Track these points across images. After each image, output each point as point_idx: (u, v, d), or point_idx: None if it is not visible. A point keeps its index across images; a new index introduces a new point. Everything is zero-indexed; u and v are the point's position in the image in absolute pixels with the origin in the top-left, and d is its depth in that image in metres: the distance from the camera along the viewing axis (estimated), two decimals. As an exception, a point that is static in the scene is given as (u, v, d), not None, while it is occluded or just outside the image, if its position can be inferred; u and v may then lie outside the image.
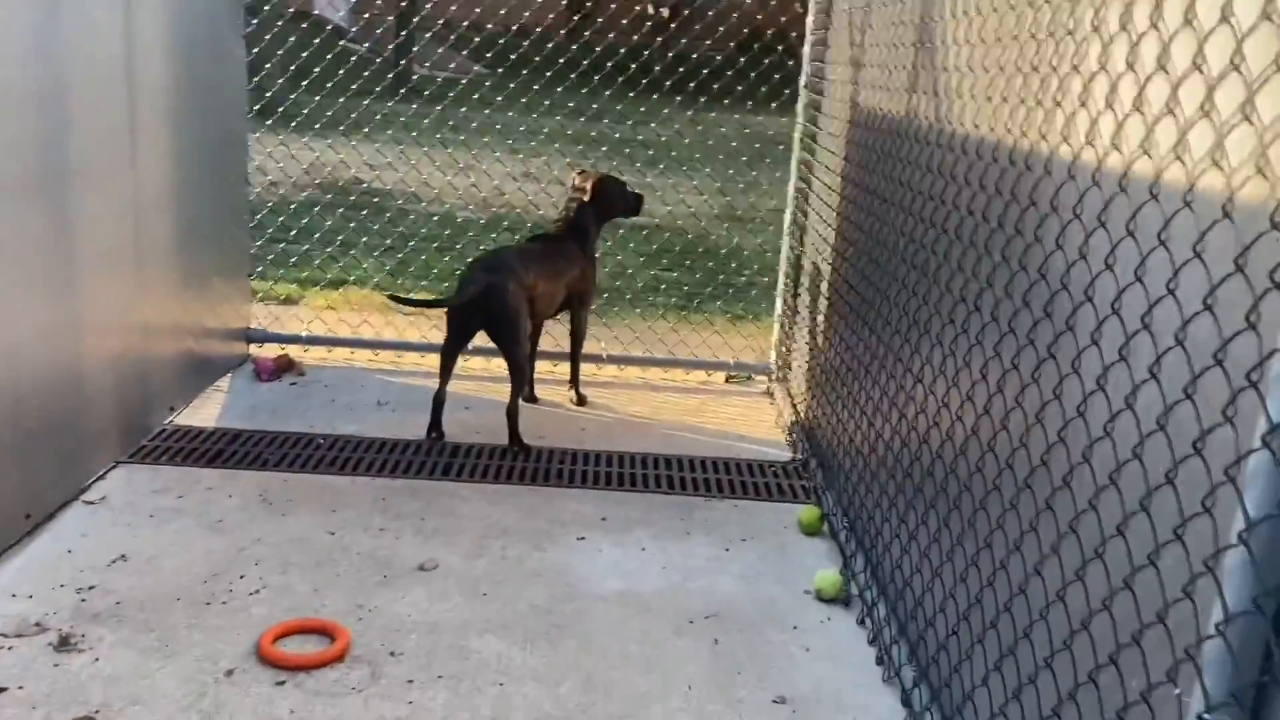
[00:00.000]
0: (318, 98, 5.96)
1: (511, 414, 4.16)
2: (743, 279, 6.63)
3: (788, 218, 4.99)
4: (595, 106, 6.26)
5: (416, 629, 2.89)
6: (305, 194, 7.36)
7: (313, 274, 6.18)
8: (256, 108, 5.29)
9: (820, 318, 4.26)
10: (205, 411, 4.42)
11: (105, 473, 3.72)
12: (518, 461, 4.11)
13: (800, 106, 4.85)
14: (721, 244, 7.29)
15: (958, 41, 2.72)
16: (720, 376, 5.29)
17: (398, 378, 4.99)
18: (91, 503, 3.50)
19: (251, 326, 5.11)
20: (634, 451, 4.28)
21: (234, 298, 4.93)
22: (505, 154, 6.29)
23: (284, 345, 5.10)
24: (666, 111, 6.53)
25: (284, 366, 4.85)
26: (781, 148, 5.71)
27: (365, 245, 6.39)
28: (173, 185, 4.13)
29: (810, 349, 4.45)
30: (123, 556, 3.16)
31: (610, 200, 4.65)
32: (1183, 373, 1.48)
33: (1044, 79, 2.12)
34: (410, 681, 2.65)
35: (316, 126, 6.17)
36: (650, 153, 7.31)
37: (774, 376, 5.13)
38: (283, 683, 2.61)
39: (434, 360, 4.32)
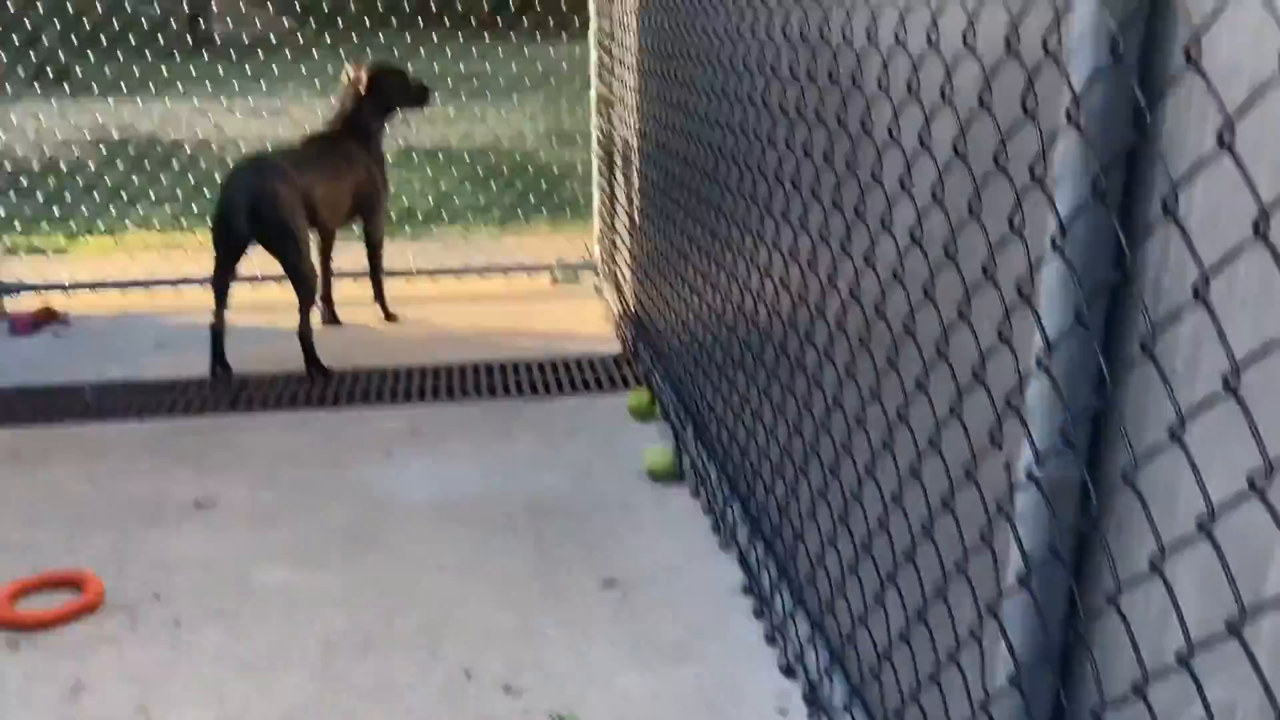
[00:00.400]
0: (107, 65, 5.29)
1: (303, 335, 3.71)
2: (568, 191, 6.27)
3: (592, 96, 4.64)
4: (410, 41, 5.74)
5: (187, 567, 2.47)
6: (94, 155, 6.58)
7: (87, 226, 5.52)
8: (37, 73, 4.63)
9: (636, 202, 3.95)
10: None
11: None
12: (316, 387, 3.69)
13: (592, 13, 4.48)
14: (546, 163, 6.89)
15: None
16: (545, 281, 4.94)
17: (178, 317, 4.45)
18: None
19: (2, 280, 4.48)
20: (452, 362, 3.91)
21: (-25, 248, 4.31)
22: (317, 98, 5.69)
23: (41, 292, 4.49)
24: (488, 41, 6.04)
25: (44, 318, 4.27)
26: None
27: (153, 198, 5.75)
28: None
29: (631, 236, 4.15)
30: None
31: (389, 92, 4.19)
32: (955, 289, 1.22)
33: None
34: (177, 623, 2.25)
35: (117, 89, 5.45)
36: (475, 83, 6.79)
37: (600, 271, 4.81)
38: (16, 646, 2.17)
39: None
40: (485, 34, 6.01)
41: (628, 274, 4.26)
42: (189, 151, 7.03)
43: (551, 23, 5.75)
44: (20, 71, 4.51)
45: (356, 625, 2.24)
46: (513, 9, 5.16)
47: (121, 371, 3.83)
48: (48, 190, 5.34)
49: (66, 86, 6.10)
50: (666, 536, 2.61)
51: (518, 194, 6.37)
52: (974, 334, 1.19)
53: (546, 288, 4.89)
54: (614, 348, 4.07)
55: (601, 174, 4.70)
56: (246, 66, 6.59)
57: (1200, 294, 0.80)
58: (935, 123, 1.32)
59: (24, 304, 4.47)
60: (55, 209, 5.55)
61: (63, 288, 4.51)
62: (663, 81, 3.30)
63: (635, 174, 3.89)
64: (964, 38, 1.21)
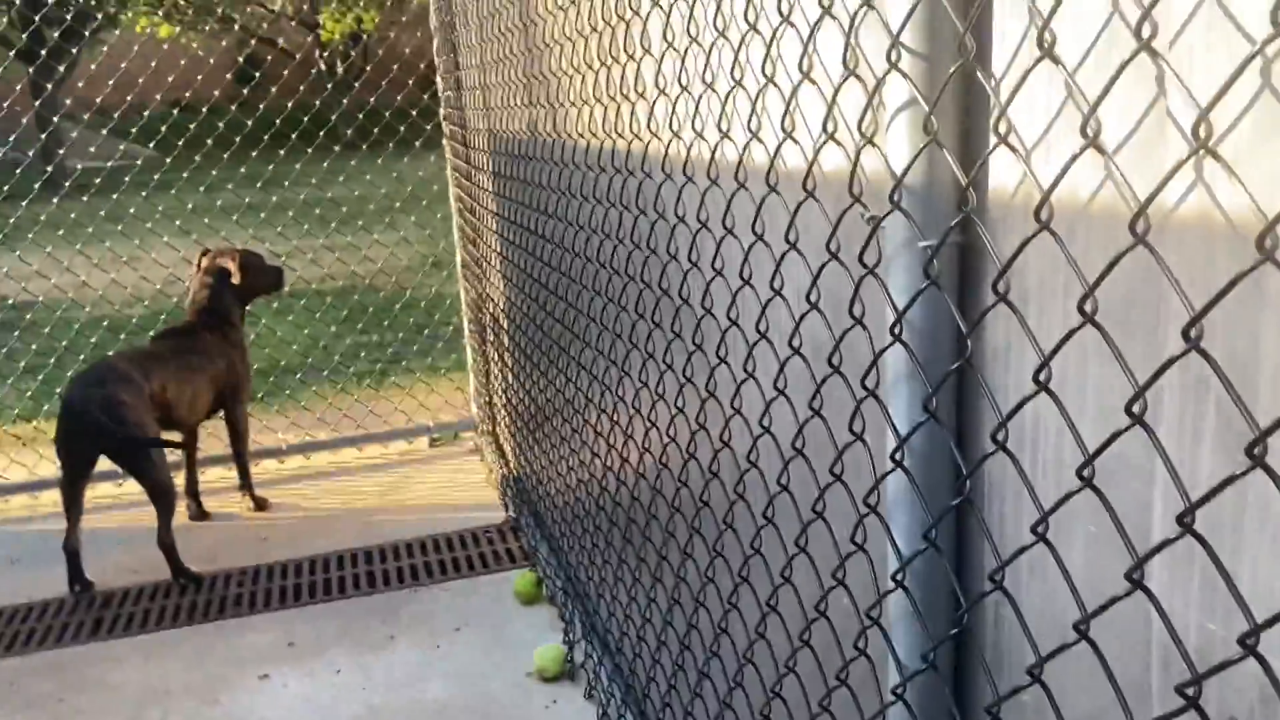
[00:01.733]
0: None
1: (164, 545, 3.53)
2: (449, 327, 6.18)
3: (458, 260, 4.63)
4: (271, 168, 5.67)
5: None
6: None
7: None
8: None
9: (508, 359, 3.92)
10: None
11: None
12: (185, 596, 3.51)
13: (445, 141, 4.50)
14: (420, 295, 6.81)
15: (557, 39, 2.45)
16: (424, 443, 4.84)
17: (33, 524, 4.20)
18: None
19: None
20: (326, 552, 3.77)
21: None
22: (177, 237, 5.52)
23: None
24: (353, 164, 5.90)
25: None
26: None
27: (7, 372, 5.44)
28: None
29: (506, 391, 4.11)
30: None
31: (255, 277, 4.11)
32: (806, 384, 1.22)
33: (622, 67, 1.86)
34: None
35: None
36: (344, 210, 6.70)
37: (479, 429, 4.74)
38: None
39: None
40: (350, 157, 5.87)
41: (507, 433, 4.21)
42: (45, 308, 6.75)
43: (418, 143, 5.63)
44: None
45: None
46: (374, 133, 5.06)
47: (-27, 598, 3.58)
48: None
49: None
50: (560, 752, 2.53)
51: (392, 335, 6.27)
52: (832, 537, 1.17)
53: (425, 450, 4.80)
54: (498, 515, 3.99)
55: (471, 328, 4.66)
56: (102, 209, 6.37)
57: (1040, 380, 0.80)
58: (770, 312, 1.32)
59: None
60: None
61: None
62: (517, 228, 3.30)
63: (505, 329, 3.86)
64: (786, 237, 1.22)
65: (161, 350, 3.81)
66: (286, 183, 6.06)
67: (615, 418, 2.29)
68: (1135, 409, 0.71)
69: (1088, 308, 0.75)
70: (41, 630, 3.33)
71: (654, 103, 1.70)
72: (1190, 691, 0.67)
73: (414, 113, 5.30)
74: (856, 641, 1.16)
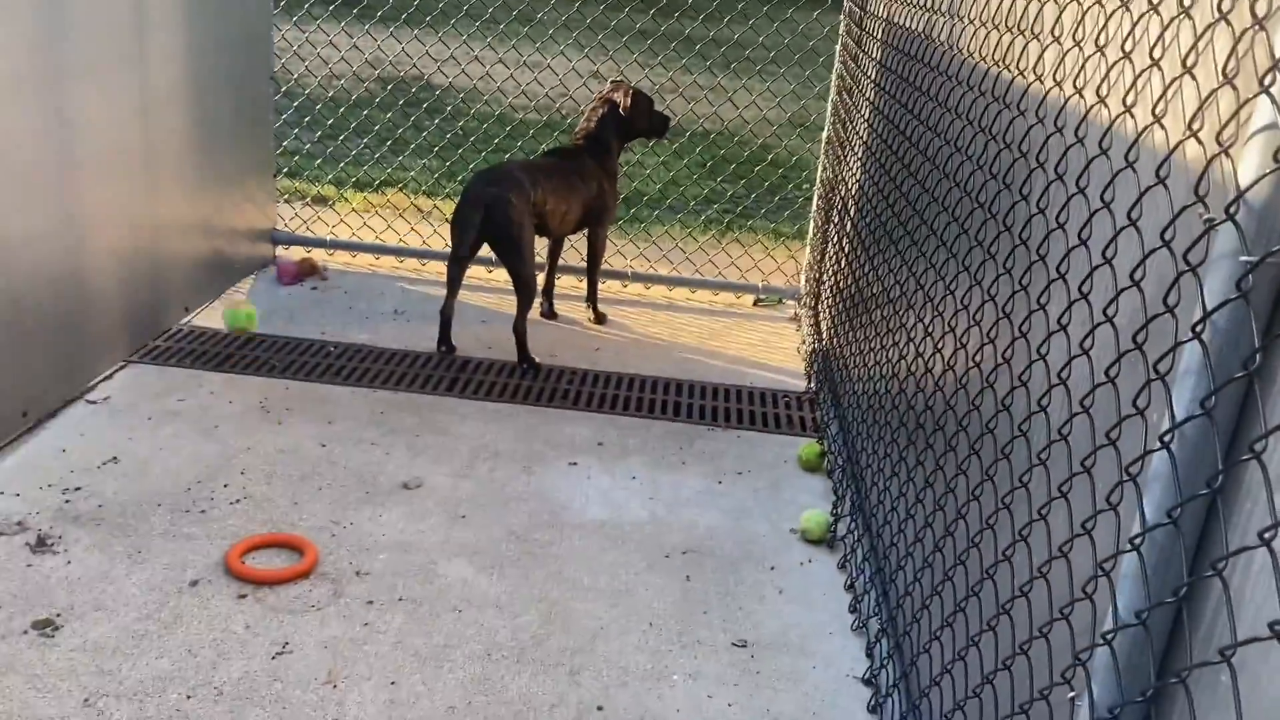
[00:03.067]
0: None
1: (519, 331, 4.09)
2: (801, 196, 6.38)
3: (825, 134, 4.76)
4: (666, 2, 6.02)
5: (388, 548, 2.88)
6: (363, 87, 7.24)
7: (357, 175, 6.11)
8: None
9: (848, 242, 4.07)
10: (220, 314, 4.43)
11: (113, 373, 3.77)
12: (524, 379, 4.06)
13: (843, 17, 4.57)
14: (783, 158, 7.01)
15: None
16: (749, 300, 5.14)
17: (419, 286, 4.95)
18: (94, 402, 3.55)
19: (277, 229, 5.09)
20: (645, 374, 4.20)
21: (258, 198, 4.91)
22: (572, 50, 6.01)
23: (309, 248, 5.08)
24: (741, 6, 6.11)
25: (306, 271, 4.84)
26: None
27: (418, 147, 6.26)
28: (186, 83, 4.08)
29: (836, 274, 4.28)
30: (114, 459, 3.20)
31: (640, 118, 4.48)
32: (1109, 352, 1.33)
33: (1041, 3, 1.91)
34: (370, 603, 2.65)
35: (378, 14, 5.97)
36: (722, 50, 6.94)
37: (802, 302, 4.96)
38: (244, 596, 2.63)
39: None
40: None
41: (826, 311, 4.40)
42: (459, 98, 7.58)
43: None
44: None
45: (515, 636, 2.57)
46: None
47: (363, 334, 4.34)
48: (325, 129, 5.93)
49: (353, 9, 6.68)
50: (804, 605, 2.81)
51: (745, 191, 6.54)
52: (1092, 491, 1.32)
53: (748, 307, 5.09)
54: (800, 384, 4.24)
55: (819, 204, 4.82)
56: (516, 8, 6.98)
57: None
58: (1096, 276, 1.44)
59: (291, 254, 5.07)
60: (329, 148, 6.17)
61: (325, 245, 5.06)
62: (887, 123, 3.41)
63: (853, 212, 4.01)
64: (1129, 214, 1.33)
65: (548, 165, 4.29)
66: (676, 15, 6.34)
67: (929, 327, 2.43)
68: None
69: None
70: (411, 375, 4.00)
71: (1046, 46, 1.77)
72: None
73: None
74: (1085, 586, 1.30)
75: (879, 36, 3.77)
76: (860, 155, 3.90)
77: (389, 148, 6.41)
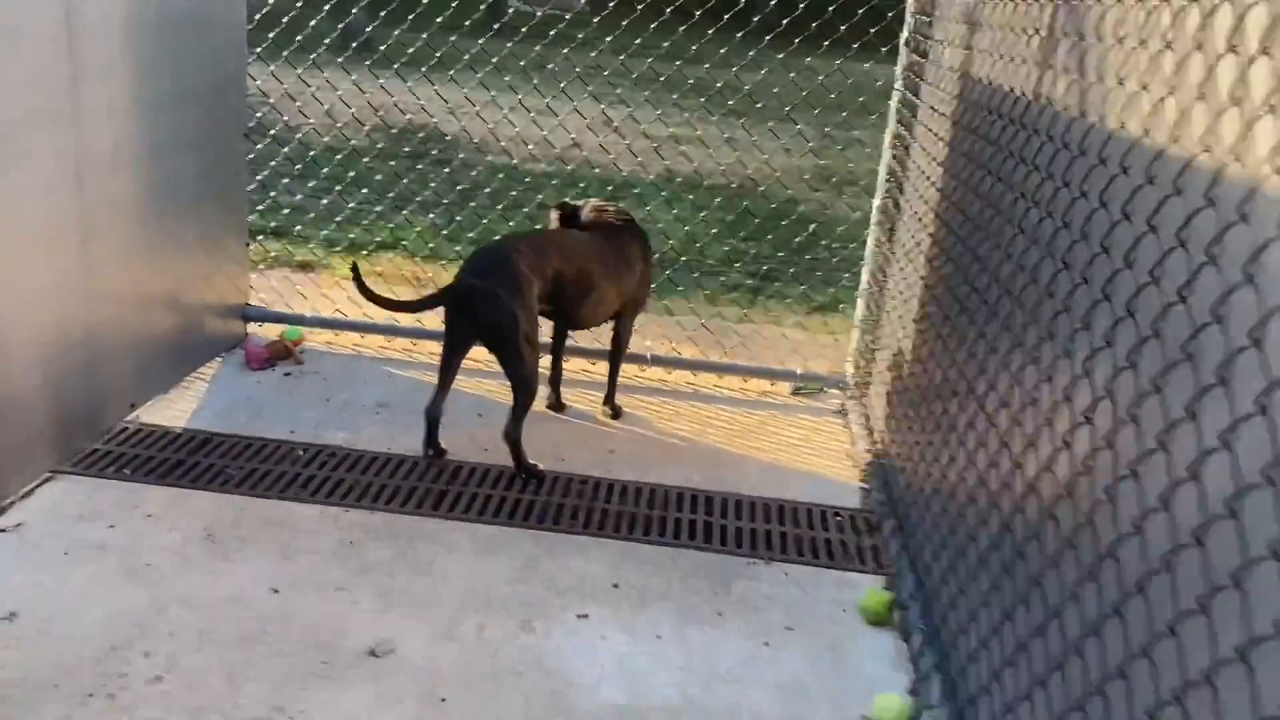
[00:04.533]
0: (396, 31, 5.17)
1: (512, 439, 3.45)
2: (834, 258, 5.71)
3: (875, 205, 4.14)
4: (695, 48, 5.36)
5: (343, 754, 2.23)
6: (364, 133, 6.55)
7: (352, 234, 5.47)
8: (341, 43, 4.62)
9: (912, 323, 3.45)
10: (177, 407, 3.81)
11: (33, 489, 3.14)
12: (525, 491, 3.42)
13: (899, 68, 3.97)
14: (812, 213, 6.33)
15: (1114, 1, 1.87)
16: (785, 387, 4.50)
17: (408, 371, 4.31)
18: (3, 530, 2.92)
19: (250, 303, 4.48)
20: (668, 484, 3.55)
21: (228, 269, 4.31)
22: (586, 101, 5.39)
23: (283, 330, 4.45)
24: (780, 57, 5.39)
25: (279, 353, 4.23)
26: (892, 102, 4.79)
27: (422, 201, 5.63)
28: (136, 143, 3.49)
29: (896, 362, 3.65)
30: (11, 614, 2.56)
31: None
32: None
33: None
34: (314, 846, 1.99)
35: (379, 52, 5.35)
36: (730, 102, 6.27)
37: (849, 392, 4.31)
38: (146, 838, 1.98)
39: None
40: (781, 48, 5.30)
41: (883, 406, 3.76)
42: (452, 144, 6.97)
43: (855, 46, 4.88)
44: (324, 40, 4.51)
45: None
46: (811, 26, 4.49)
47: (340, 433, 3.70)
48: (319, 179, 5.31)
49: (364, 61, 6.06)
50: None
51: (770, 249, 5.90)
52: None
53: (785, 396, 4.45)
54: (853, 497, 3.59)
55: (872, 280, 4.19)
56: (523, 58, 6.25)
57: None
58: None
59: (266, 332, 4.46)
60: (323, 199, 5.54)
61: (304, 322, 4.45)
62: (969, 191, 2.79)
63: (918, 289, 3.37)
64: None
65: (582, 243, 3.66)
66: (708, 65, 5.75)
67: (1034, 423, 1.79)
68: None
69: None
70: (391, 489, 3.36)
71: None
72: None
73: (859, 11, 4.71)
74: None
75: (956, 93, 3.17)
76: (933, 229, 3.28)
77: (390, 202, 5.76)
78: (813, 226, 5.61)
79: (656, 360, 4.39)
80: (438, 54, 4.71)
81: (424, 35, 4.62)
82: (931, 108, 3.47)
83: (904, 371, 3.52)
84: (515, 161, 6.50)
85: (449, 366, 3.52)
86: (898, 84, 3.94)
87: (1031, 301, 2.14)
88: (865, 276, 4.19)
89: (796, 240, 5.55)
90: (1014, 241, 2.33)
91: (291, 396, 3.98)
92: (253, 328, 4.47)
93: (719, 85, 5.35)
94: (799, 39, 4.41)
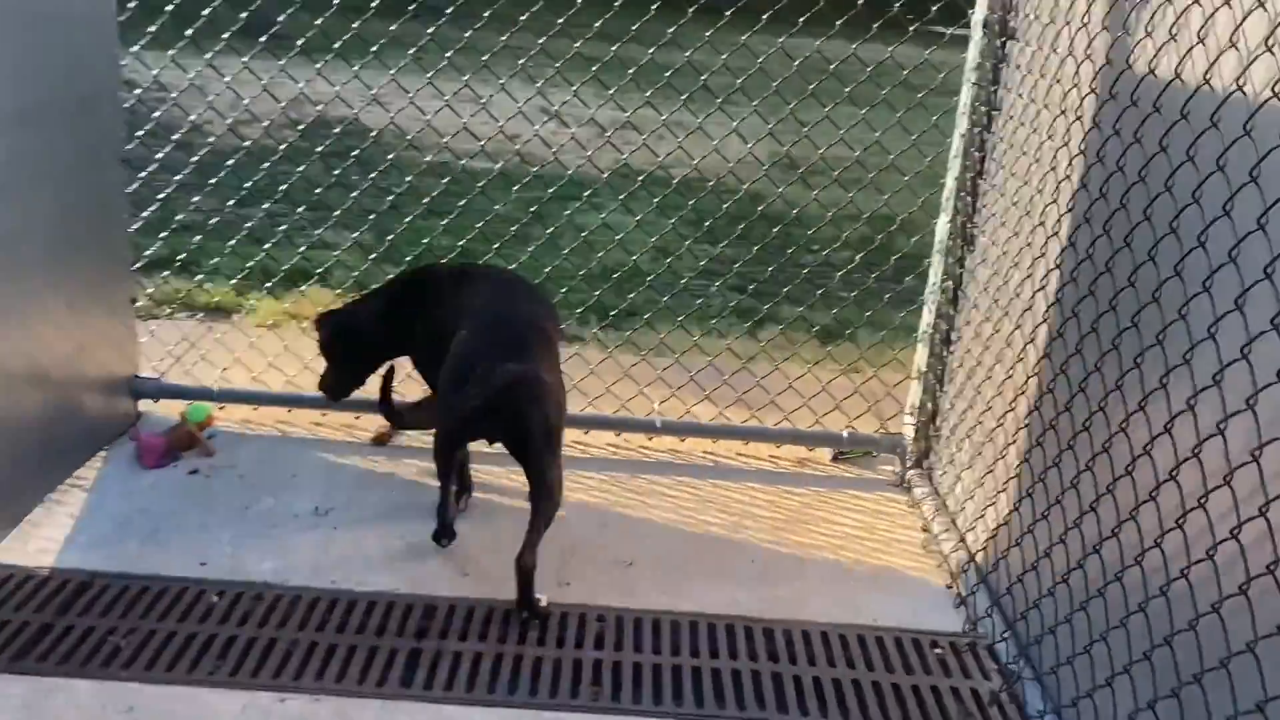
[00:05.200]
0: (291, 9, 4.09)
1: (525, 568, 2.56)
2: (819, 255, 4.61)
3: (941, 228, 3.30)
4: (635, 29, 4.31)
5: None
6: (287, 145, 5.25)
7: (258, 257, 4.41)
8: (245, 28, 3.53)
9: (1021, 369, 2.65)
10: (44, 533, 2.83)
11: None
12: (528, 634, 2.55)
13: (973, 52, 3.12)
14: (783, 206, 5.06)
15: None
16: (825, 452, 3.64)
17: (349, 457, 3.37)
18: None
19: (141, 374, 3.49)
20: (710, 613, 2.69)
21: (109, 332, 3.33)
22: (521, 87, 4.28)
23: (186, 412, 3.45)
24: (708, 34, 4.32)
25: (181, 443, 3.25)
26: (870, 77, 3.78)
27: (346, 213, 4.44)
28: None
29: (988, 418, 2.86)
30: None
31: None
32: None
33: None
34: None
35: (324, 52, 4.19)
36: (674, 84, 5.13)
37: (909, 458, 3.48)
38: None
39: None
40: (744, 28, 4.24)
41: (973, 480, 2.96)
42: (408, 145, 5.74)
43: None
44: (228, 25, 3.47)
45: None
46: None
47: (267, 560, 2.77)
48: (233, 183, 4.15)
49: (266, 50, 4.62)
50: None
51: (754, 257, 4.83)
52: None
53: (826, 465, 3.60)
54: (951, 615, 2.78)
55: (940, 315, 3.34)
56: (451, 34, 4.98)
57: None
58: None
59: (164, 410, 3.48)
60: (232, 208, 4.40)
61: (211, 395, 3.47)
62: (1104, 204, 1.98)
63: (1042, 297, 2.55)
64: None
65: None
66: (644, 42, 4.62)
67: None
68: None
69: None
70: (342, 651, 2.45)
71: None
72: None
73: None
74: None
75: (1094, 89, 2.34)
76: (1057, 254, 2.47)
77: (306, 217, 4.56)
78: (809, 232, 4.63)
79: (667, 427, 3.51)
80: (344, 37, 3.64)
81: (326, 14, 3.57)
82: (1044, 106, 2.65)
83: (1006, 429, 2.72)
84: (463, 162, 5.20)
85: (451, 462, 2.77)
86: (972, 75, 3.10)
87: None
88: (928, 316, 3.36)
89: (774, 238, 4.49)
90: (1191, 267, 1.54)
91: (200, 506, 3.02)
92: (146, 406, 3.48)
93: (674, 68, 4.30)
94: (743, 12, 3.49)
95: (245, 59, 3.68)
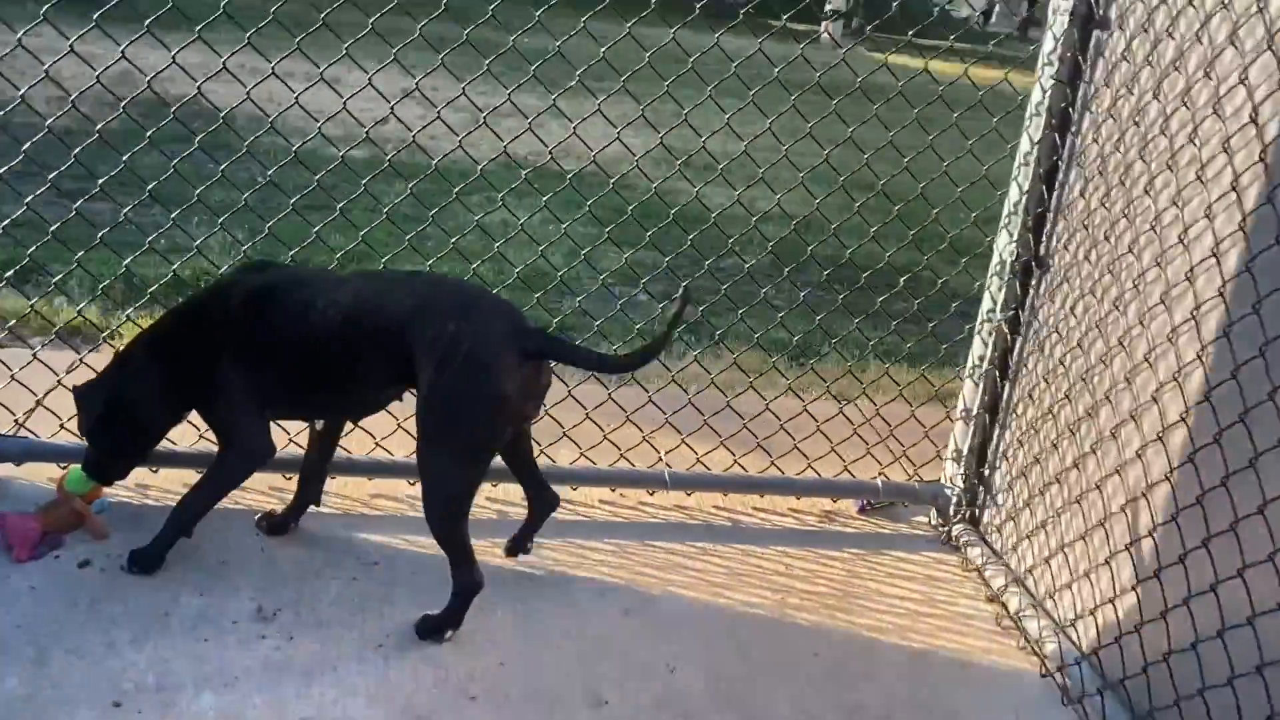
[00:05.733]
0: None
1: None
2: (743, 262, 3.99)
3: (1000, 252, 2.85)
4: (491, 11, 3.62)
5: None
6: (122, 131, 4.22)
7: (132, 266, 3.51)
8: None
9: (1144, 419, 2.23)
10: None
11: None
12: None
13: (1053, 38, 2.67)
14: (685, 203, 4.29)
15: None
16: (849, 504, 3.15)
17: (289, 538, 2.65)
18: None
19: (2, 432, 2.67)
20: (791, 733, 2.16)
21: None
22: (378, 63, 3.48)
23: (68, 467, 2.65)
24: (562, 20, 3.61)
25: (62, 524, 2.47)
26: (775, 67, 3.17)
27: (206, 206, 3.53)
28: None
29: (1075, 472, 2.44)
30: None
31: None
32: None
33: None
34: None
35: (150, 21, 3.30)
36: (538, 66, 4.34)
37: (957, 510, 3.02)
38: None
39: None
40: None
41: (1048, 547, 2.54)
42: (270, 127, 4.71)
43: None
44: None
45: None
46: None
47: (206, 694, 2.06)
48: (77, 173, 3.28)
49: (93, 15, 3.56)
50: None
51: (677, 259, 4.16)
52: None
53: (854, 518, 3.11)
54: (1043, 690, 2.34)
55: (995, 350, 2.88)
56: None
57: None
58: None
59: (35, 476, 2.67)
60: (74, 209, 3.46)
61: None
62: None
63: (1191, 309, 2.13)
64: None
65: None
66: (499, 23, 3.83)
67: None
68: None
69: None
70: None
71: None
72: None
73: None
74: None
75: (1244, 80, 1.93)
76: (1209, 280, 2.06)
77: (164, 213, 3.60)
78: (702, 214, 3.98)
79: (676, 480, 2.94)
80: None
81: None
82: (1133, 117, 2.23)
83: (1109, 490, 2.32)
84: (305, 137, 4.18)
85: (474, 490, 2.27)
86: (1049, 69, 2.65)
87: None
88: (980, 348, 2.91)
89: (691, 240, 3.88)
90: None
91: (101, 616, 2.26)
92: (8, 471, 2.66)
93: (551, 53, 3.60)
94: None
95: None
